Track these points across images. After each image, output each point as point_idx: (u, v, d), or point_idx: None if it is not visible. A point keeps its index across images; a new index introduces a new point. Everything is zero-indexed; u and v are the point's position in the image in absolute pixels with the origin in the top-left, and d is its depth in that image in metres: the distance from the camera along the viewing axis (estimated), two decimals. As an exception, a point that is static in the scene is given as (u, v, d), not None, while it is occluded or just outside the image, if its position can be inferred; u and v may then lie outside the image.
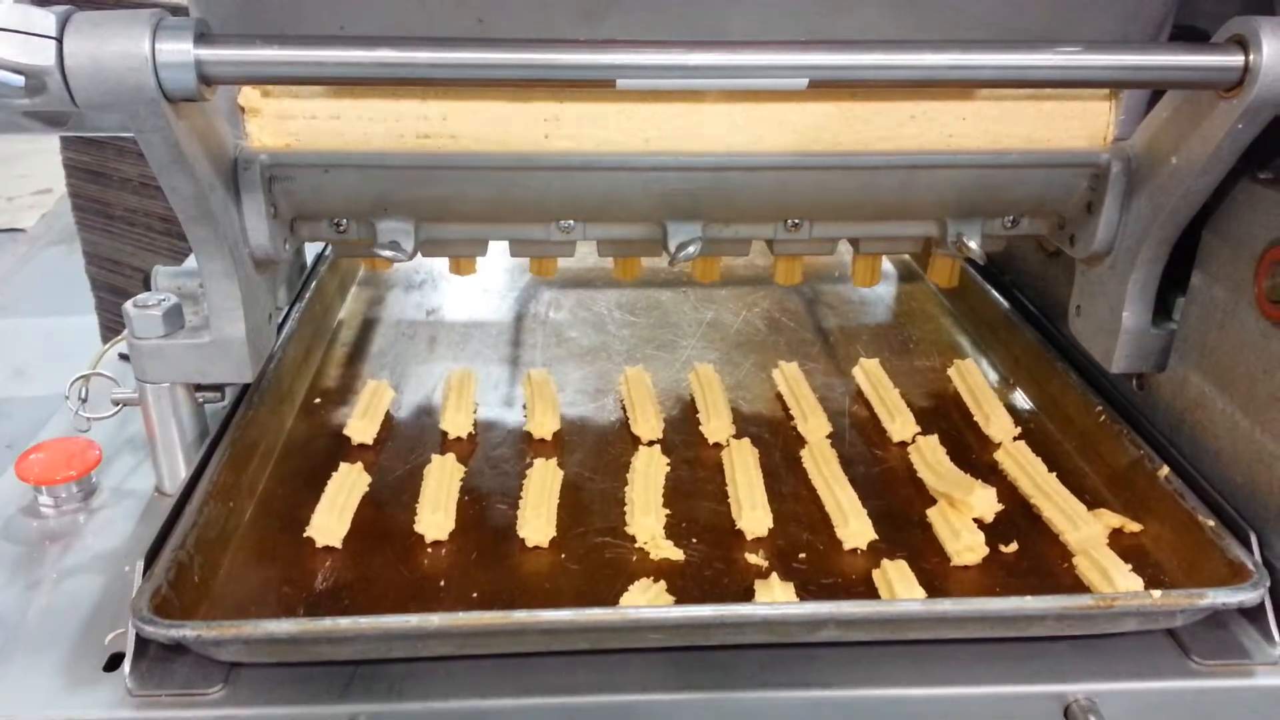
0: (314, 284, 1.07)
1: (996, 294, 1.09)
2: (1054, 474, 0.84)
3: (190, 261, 0.96)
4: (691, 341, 1.11)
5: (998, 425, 0.92)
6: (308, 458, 0.89)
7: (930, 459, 0.87)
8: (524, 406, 0.97)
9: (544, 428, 0.92)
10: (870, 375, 1.00)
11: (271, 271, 0.83)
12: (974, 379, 0.99)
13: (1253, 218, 0.74)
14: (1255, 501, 0.73)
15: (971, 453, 0.91)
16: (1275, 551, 0.71)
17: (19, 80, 0.60)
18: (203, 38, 0.63)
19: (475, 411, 0.95)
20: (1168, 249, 0.79)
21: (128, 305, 0.77)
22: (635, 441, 0.91)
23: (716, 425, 0.92)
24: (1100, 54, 0.68)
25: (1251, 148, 0.71)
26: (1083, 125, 0.80)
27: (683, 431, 0.93)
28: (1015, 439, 0.91)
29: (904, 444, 0.91)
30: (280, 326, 0.96)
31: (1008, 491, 0.84)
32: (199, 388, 0.82)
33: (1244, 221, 0.75)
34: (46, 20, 0.60)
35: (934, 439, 0.90)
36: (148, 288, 0.84)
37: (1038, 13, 0.75)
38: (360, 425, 0.90)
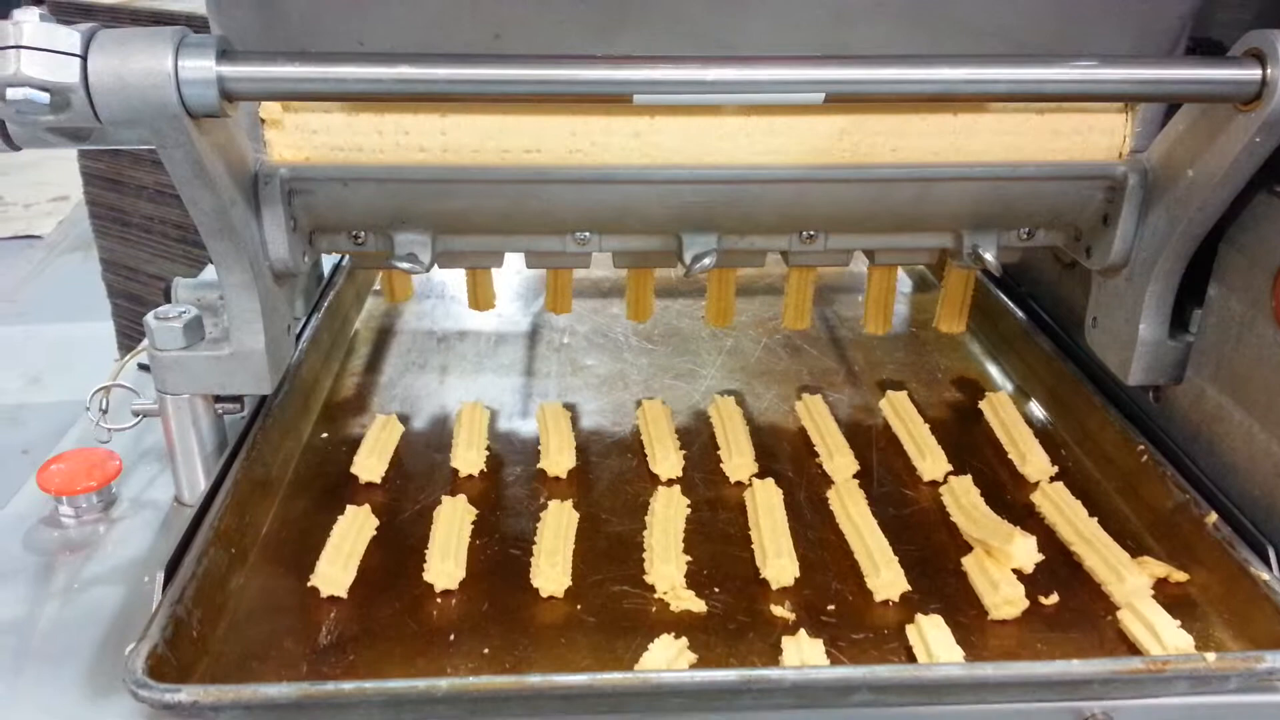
0: (331, 295, 1.07)
1: (1014, 305, 1.08)
2: (1094, 518, 0.81)
3: (209, 273, 0.97)
4: (711, 370, 1.08)
5: (1034, 465, 0.88)
6: (316, 492, 0.87)
7: (964, 501, 0.83)
8: (538, 441, 0.93)
9: (559, 465, 0.89)
10: (898, 409, 0.96)
11: (290, 284, 0.83)
12: (1008, 413, 0.95)
13: (1270, 230, 0.74)
14: (1273, 514, 0.73)
15: (1006, 493, 0.87)
16: (1294, 565, 0.71)
17: (44, 97, 0.61)
18: (225, 54, 0.64)
19: (487, 448, 0.91)
20: (1184, 261, 0.79)
21: (148, 317, 0.78)
22: (654, 480, 0.88)
23: (738, 463, 0.88)
24: (1117, 68, 0.68)
25: (1269, 160, 0.71)
26: (1099, 138, 0.80)
27: (703, 468, 0.90)
28: (1052, 479, 0.87)
29: (935, 483, 0.87)
30: (298, 337, 0.97)
31: (1046, 536, 0.80)
32: (218, 399, 0.83)
33: (1262, 234, 0.75)
34: (71, 38, 0.61)
35: (968, 480, 0.86)
36: (168, 299, 0.84)
37: (1052, 28, 0.75)
38: (369, 464, 0.88)
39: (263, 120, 0.76)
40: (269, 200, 0.76)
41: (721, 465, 0.89)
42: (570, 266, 0.93)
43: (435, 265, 0.85)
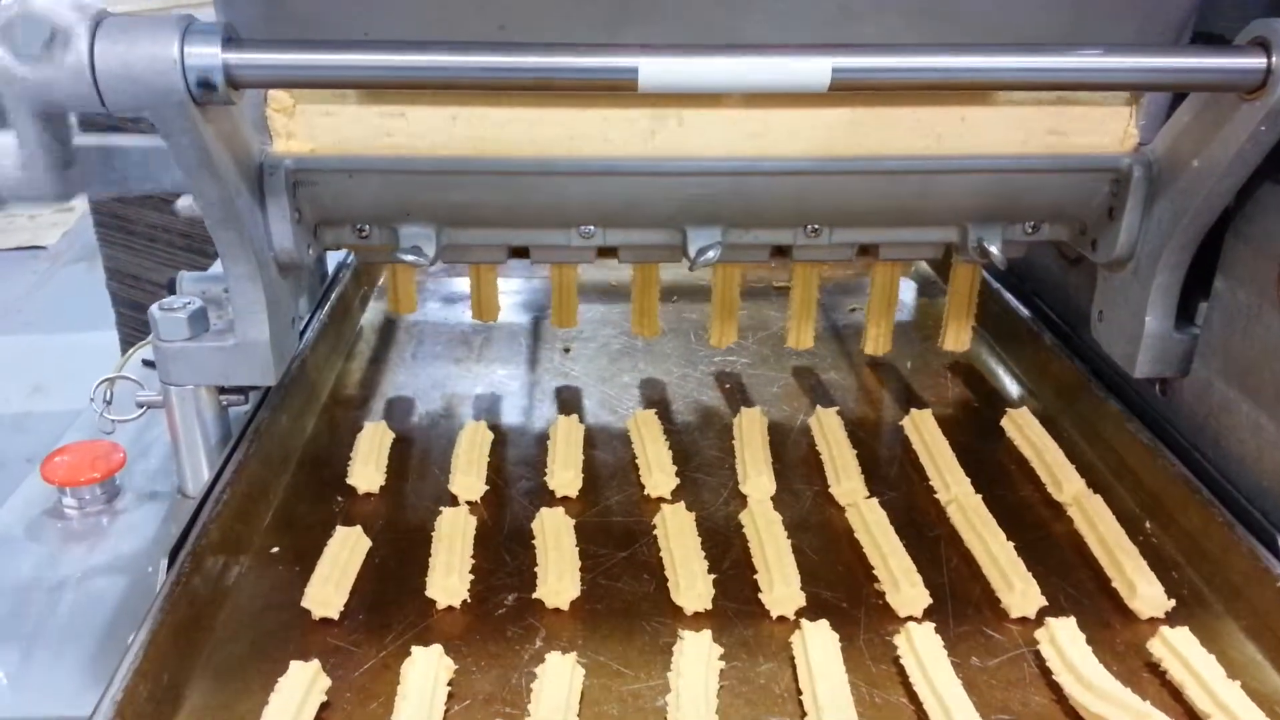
0: (336, 291, 1.07)
1: (1019, 303, 1.08)
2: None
3: (215, 267, 0.97)
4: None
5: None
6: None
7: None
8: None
9: (559, 596, 0.72)
10: (967, 509, 0.81)
11: (295, 276, 0.83)
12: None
13: (1276, 221, 0.74)
14: (1282, 505, 0.73)
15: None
16: (1302, 555, 0.70)
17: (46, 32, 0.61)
18: (230, 41, 0.64)
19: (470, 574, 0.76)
20: (1190, 253, 0.79)
21: (153, 308, 0.78)
22: (676, 613, 0.72)
23: (783, 594, 0.71)
24: (1122, 56, 0.68)
25: (1275, 151, 0.70)
26: (1104, 129, 0.80)
27: (737, 598, 0.73)
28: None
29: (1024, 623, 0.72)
30: (301, 333, 0.97)
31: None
32: (222, 390, 0.83)
33: (1267, 225, 0.75)
34: (79, 25, 0.61)
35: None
36: (172, 292, 0.85)
37: (1057, 19, 0.75)
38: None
39: (268, 113, 0.76)
40: (274, 191, 0.76)
41: (760, 596, 0.73)
42: (574, 261, 0.93)
43: (440, 259, 0.85)
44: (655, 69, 0.66)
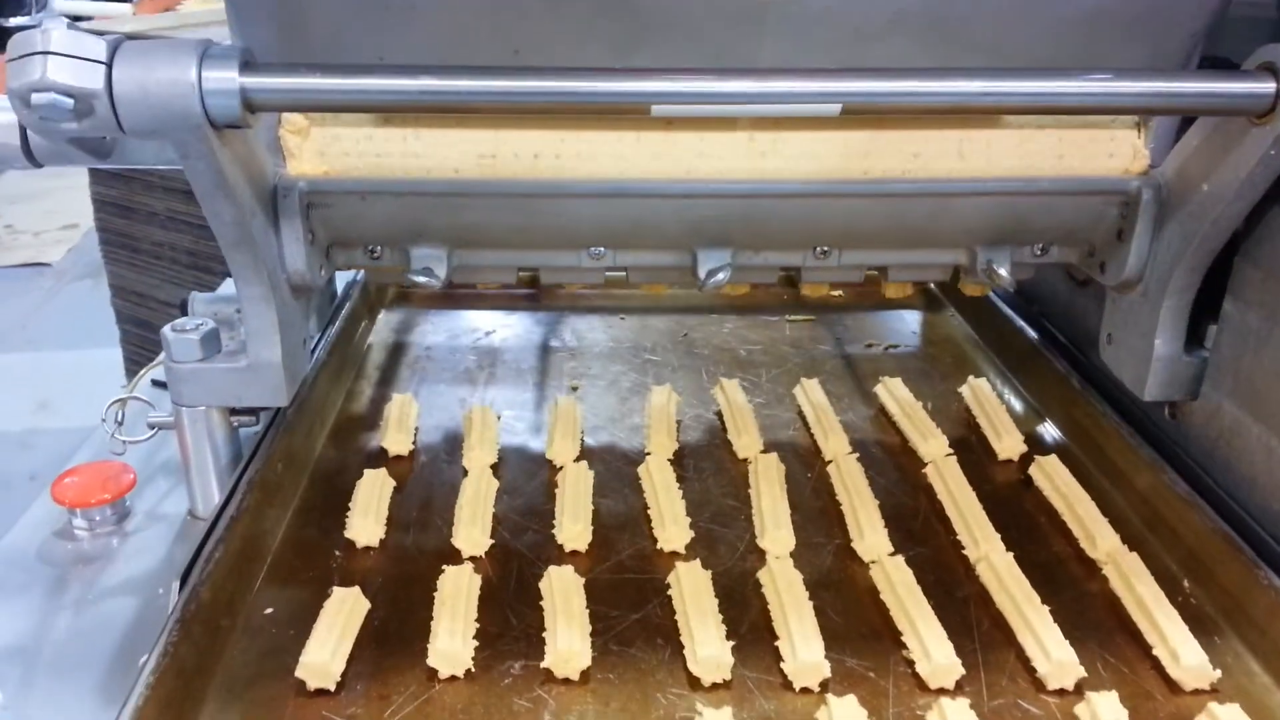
0: (345, 310, 1.08)
1: (1025, 324, 1.09)
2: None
3: (225, 288, 0.98)
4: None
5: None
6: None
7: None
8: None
9: (569, 665, 0.68)
10: (997, 568, 0.76)
11: (307, 298, 0.83)
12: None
13: (1286, 244, 0.74)
14: (1293, 529, 0.73)
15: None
16: (1315, 579, 0.70)
17: (69, 103, 0.61)
18: (247, 66, 0.64)
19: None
20: (1200, 276, 0.79)
21: (166, 330, 0.78)
22: (694, 683, 0.68)
23: (806, 664, 0.67)
24: (1132, 81, 0.68)
25: (1283, 175, 0.71)
26: (1113, 153, 0.80)
27: (757, 666, 0.69)
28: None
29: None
30: (311, 352, 0.97)
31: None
32: (234, 411, 0.83)
33: (1277, 247, 0.75)
34: (97, 46, 0.61)
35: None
36: (184, 313, 0.85)
37: (1067, 44, 0.75)
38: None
39: (281, 132, 0.76)
40: (287, 213, 0.76)
41: (782, 665, 0.69)
42: (585, 281, 0.93)
43: (451, 280, 0.85)
44: (668, 95, 0.66)
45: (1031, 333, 1.07)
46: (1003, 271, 0.85)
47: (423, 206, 0.80)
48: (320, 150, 0.77)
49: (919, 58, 0.74)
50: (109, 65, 0.62)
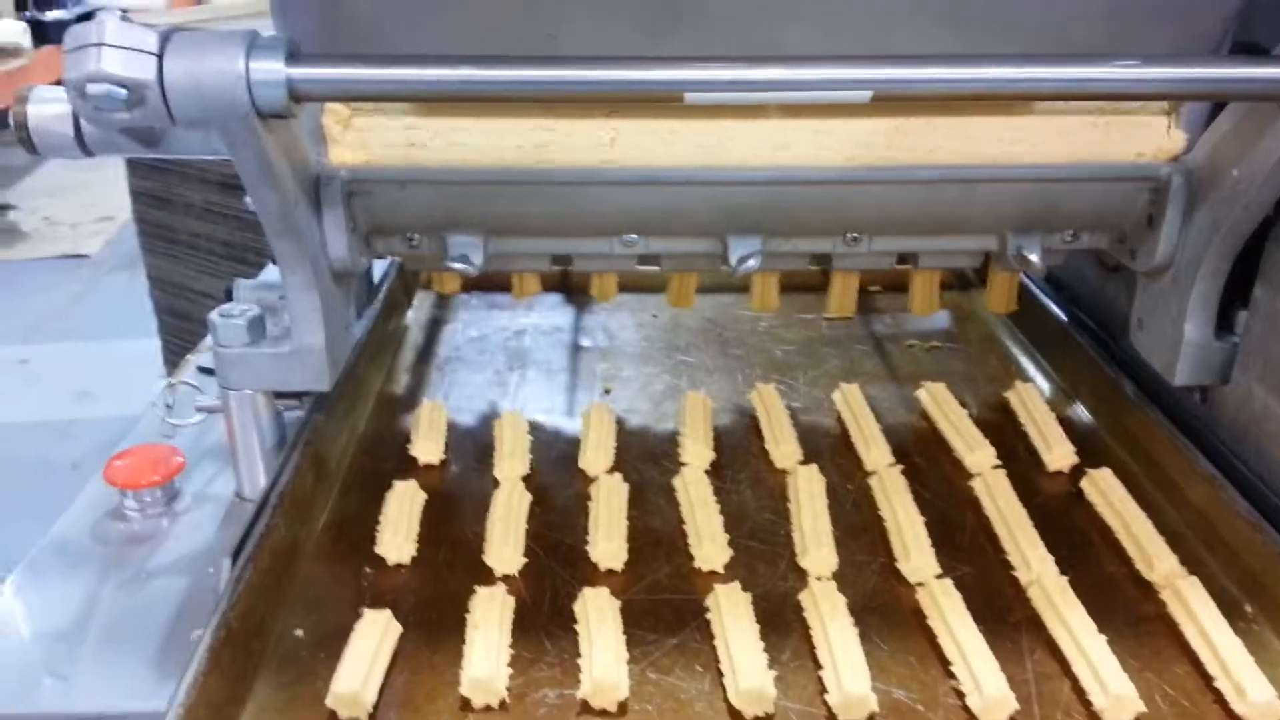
0: (382, 292, 1.10)
1: (1056, 308, 1.09)
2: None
3: (269, 274, 1.00)
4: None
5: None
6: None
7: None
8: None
9: (605, 696, 0.65)
10: (1050, 591, 0.73)
11: (348, 284, 0.86)
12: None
13: (1317, 229, 0.75)
14: (1324, 512, 0.73)
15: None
16: (1345, 561, 0.71)
17: (122, 93, 0.63)
18: (293, 57, 0.66)
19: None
20: (1230, 261, 0.79)
21: (213, 315, 0.80)
22: (736, 716, 0.66)
23: (852, 697, 0.64)
24: (1164, 66, 0.69)
25: (1315, 159, 0.71)
26: (1143, 138, 0.81)
27: (800, 698, 0.67)
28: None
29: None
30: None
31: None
32: (279, 395, 0.85)
33: (1308, 232, 0.75)
34: (149, 38, 0.64)
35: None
36: (230, 299, 0.87)
37: (1095, 29, 0.76)
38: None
39: (325, 120, 0.78)
40: (330, 201, 0.78)
41: (826, 697, 0.66)
42: (618, 269, 0.95)
43: (487, 267, 0.87)
44: (701, 83, 0.68)
45: (1064, 317, 1.07)
46: (1033, 257, 0.85)
47: (461, 195, 0.82)
48: (361, 139, 0.79)
49: (943, 42, 0.74)
50: (160, 56, 0.64)
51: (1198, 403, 0.88)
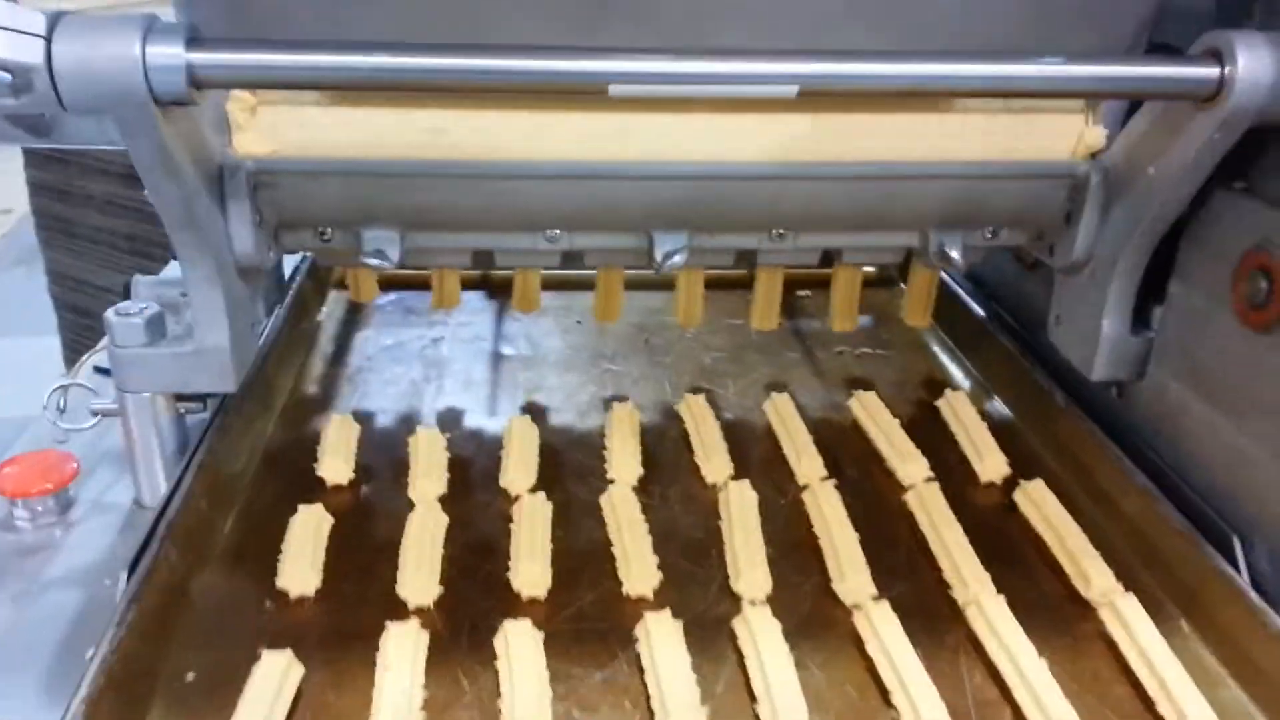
0: (292, 290, 1.06)
1: (975, 305, 1.10)
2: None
3: (170, 270, 0.95)
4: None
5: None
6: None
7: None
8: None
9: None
10: (988, 613, 0.71)
11: (255, 280, 0.82)
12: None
13: (1229, 226, 0.76)
14: (1237, 505, 0.74)
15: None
16: (1257, 553, 0.72)
17: (6, 78, 0.59)
18: (194, 41, 0.62)
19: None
20: (1146, 257, 0.81)
21: (109, 314, 0.76)
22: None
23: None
24: (1083, 65, 0.69)
25: (1227, 157, 0.72)
26: (1061, 137, 0.81)
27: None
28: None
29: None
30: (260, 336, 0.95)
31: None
32: (180, 398, 0.81)
33: (1221, 230, 0.77)
34: (36, 19, 0.60)
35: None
36: (128, 296, 0.83)
37: (1017, 30, 0.76)
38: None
39: (229, 108, 0.74)
40: (234, 194, 0.75)
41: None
42: (540, 265, 0.92)
43: (403, 263, 0.84)
44: (626, 75, 0.66)
45: (984, 314, 1.08)
46: (954, 254, 0.86)
47: (374, 187, 0.78)
48: (268, 128, 0.75)
49: (869, 40, 0.74)
50: (48, 39, 0.60)
51: (1113, 397, 0.89)
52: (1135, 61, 0.73)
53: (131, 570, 0.67)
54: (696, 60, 0.66)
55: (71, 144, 0.76)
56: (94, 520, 0.80)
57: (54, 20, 0.60)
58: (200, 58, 0.62)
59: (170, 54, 0.61)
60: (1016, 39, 0.76)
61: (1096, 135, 0.81)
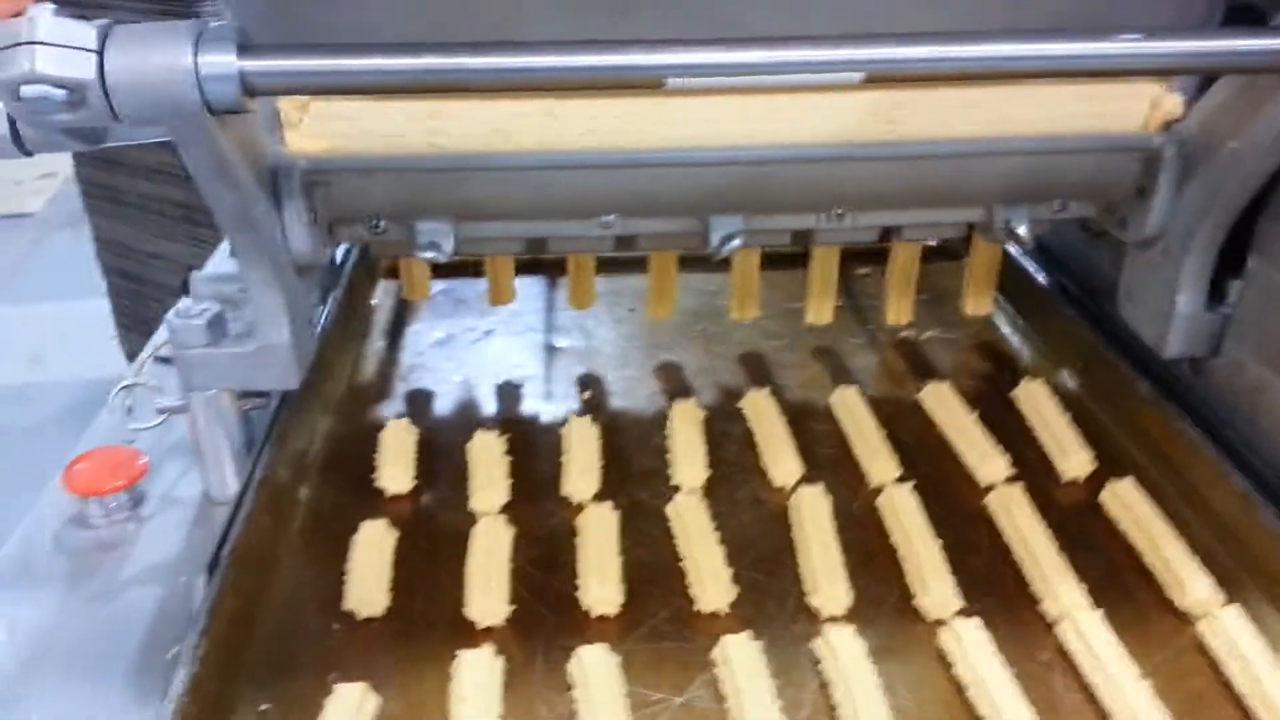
0: (344, 277, 1.05)
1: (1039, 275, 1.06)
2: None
3: (223, 263, 0.95)
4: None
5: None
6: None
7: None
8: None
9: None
10: (1082, 629, 0.67)
11: (310, 276, 0.82)
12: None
13: (1314, 202, 0.73)
14: (1317, 486, 0.73)
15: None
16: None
17: (61, 94, 0.59)
18: (245, 49, 0.61)
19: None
20: (1224, 232, 0.78)
21: (170, 315, 0.76)
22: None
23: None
24: (1161, 41, 0.66)
25: (1313, 131, 0.69)
26: (1135, 108, 0.78)
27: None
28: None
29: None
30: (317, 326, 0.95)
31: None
32: (243, 394, 0.81)
33: (1305, 205, 0.74)
34: (87, 33, 0.59)
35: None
36: (185, 292, 0.83)
37: (1083, 2, 0.73)
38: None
39: (280, 106, 0.74)
40: (288, 193, 0.74)
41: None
42: (594, 251, 0.91)
43: (457, 253, 0.83)
44: (684, 67, 0.64)
45: (1048, 283, 1.05)
46: (1021, 229, 0.83)
47: (428, 181, 0.78)
48: (320, 126, 0.74)
49: (932, 20, 0.71)
50: (100, 53, 0.59)
51: (1186, 372, 0.87)
52: (1216, 35, 0.69)
53: (210, 571, 0.68)
54: (756, 49, 0.64)
55: (125, 143, 0.76)
56: (166, 515, 0.81)
57: (105, 32, 0.59)
58: (253, 65, 0.61)
59: (223, 62, 0.60)
60: (1082, 12, 0.72)
61: (1174, 103, 0.77)
